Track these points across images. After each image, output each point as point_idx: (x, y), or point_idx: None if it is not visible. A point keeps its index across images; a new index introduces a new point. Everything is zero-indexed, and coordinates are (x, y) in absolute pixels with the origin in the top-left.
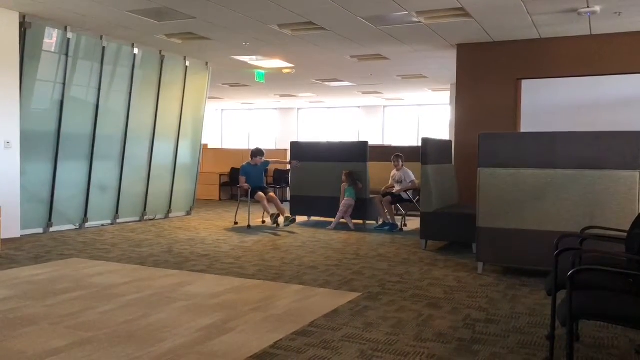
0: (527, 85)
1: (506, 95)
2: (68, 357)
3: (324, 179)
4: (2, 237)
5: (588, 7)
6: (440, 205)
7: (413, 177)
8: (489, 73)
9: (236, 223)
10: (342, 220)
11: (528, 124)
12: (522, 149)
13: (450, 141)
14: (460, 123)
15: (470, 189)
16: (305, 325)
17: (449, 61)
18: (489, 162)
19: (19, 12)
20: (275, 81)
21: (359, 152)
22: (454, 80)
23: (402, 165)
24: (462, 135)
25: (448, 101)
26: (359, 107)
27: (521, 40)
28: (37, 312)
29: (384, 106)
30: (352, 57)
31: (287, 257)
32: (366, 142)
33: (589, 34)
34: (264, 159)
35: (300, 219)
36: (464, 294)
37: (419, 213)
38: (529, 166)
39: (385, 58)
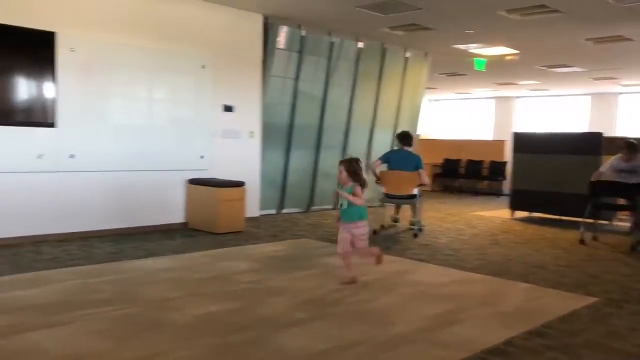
0: None
1: None
2: (311, 328)
3: (549, 173)
4: (245, 216)
5: None
6: None
7: None
8: None
9: (383, 227)
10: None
11: None
12: None
13: None
14: None
15: None
16: (538, 326)
17: None
18: None
19: (262, 14)
20: (495, 69)
21: (592, 144)
22: None
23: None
24: None
25: None
26: (586, 94)
27: None
28: (280, 286)
29: (619, 93)
30: (587, 39)
31: (510, 253)
32: (600, 133)
33: None
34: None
35: (520, 214)
36: None
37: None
38: None
39: (627, 39)
